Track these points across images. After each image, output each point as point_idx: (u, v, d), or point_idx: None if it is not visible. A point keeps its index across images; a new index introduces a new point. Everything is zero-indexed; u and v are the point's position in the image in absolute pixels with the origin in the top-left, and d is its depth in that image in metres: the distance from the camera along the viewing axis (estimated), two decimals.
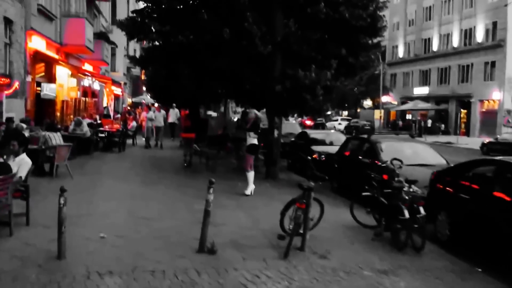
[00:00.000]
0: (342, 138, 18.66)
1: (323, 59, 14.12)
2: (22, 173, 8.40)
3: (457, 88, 51.20)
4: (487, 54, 46.59)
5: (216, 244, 7.13)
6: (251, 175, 12.07)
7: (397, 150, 11.80)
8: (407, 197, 7.76)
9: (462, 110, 51.67)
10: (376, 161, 11.39)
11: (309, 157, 8.36)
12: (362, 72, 15.84)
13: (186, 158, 18.07)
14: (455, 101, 52.20)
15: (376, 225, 8.81)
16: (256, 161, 17.25)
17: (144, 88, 52.12)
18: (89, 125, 20.55)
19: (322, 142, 17.94)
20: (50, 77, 22.82)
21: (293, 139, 19.28)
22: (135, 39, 17.28)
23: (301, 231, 7.33)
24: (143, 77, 49.63)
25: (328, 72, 13.56)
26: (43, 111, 21.94)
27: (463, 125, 51.74)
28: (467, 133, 49.14)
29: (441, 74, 54.62)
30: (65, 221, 6.52)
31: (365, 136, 13.19)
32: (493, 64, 46.19)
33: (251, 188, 11.99)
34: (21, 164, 8.47)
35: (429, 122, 52.04)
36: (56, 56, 23.28)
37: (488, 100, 47.38)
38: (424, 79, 58.05)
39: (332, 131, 28.56)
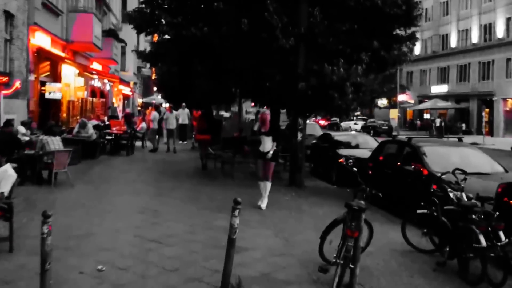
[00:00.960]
0: (370, 140, 17.16)
1: (352, 53, 12.63)
2: (5, 188, 6.98)
3: (478, 86, 49.30)
4: (509, 50, 44.60)
5: (243, 281, 5.65)
6: (268, 186, 10.58)
7: (445, 155, 10.26)
8: (478, 219, 6.21)
9: (486, 108, 49.66)
10: (423, 170, 9.81)
11: (355, 169, 6.73)
12: (393, 68, 14.24)
13: (203, 161, 16.82)
14: (476, 99, 50.21)
15: (434, 249, 7.31)
16: (277, 166, 15.86)
17: (155, 89, 50.85)
18: (96, 127, 19.24)
19: (347, 145, 16.38)
20: (56, 76, 21.52)
21: (314, 141, 17.75)
22: (145, 34, 15.84)
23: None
24: (154, 76, 48.39)
25: (359, 67, 12.08)
26: (48, 112, 20.67)
27: (486, 125, 49.75)
28: (490, 133, 47.15)
29: (461, 72, 52.67)
30: (50, 256, 4.96)
31: (405, 139, 11.52)
32: None
33: (267, 201, 10.55)
34: (4, 177, 7.04)
35: (438, 121, 49.98)
36: (62, 54, 21.96)
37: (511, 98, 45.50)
38: (443, 77, 56.06)
39: (353, 132, 26.91)
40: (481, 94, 48.67)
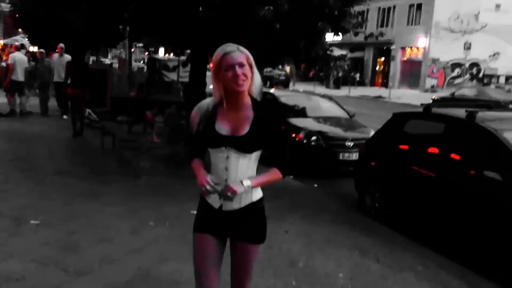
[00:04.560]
0: (324, 103, 12.03)
1: None
2: None
3: (376, 34, 46.41)
4: None
5: None
6: None
7: None
8: None
9: (379, 58, 47.27)
10: None
11: None
12: None
13: (76, 127, 11.39)
14: (373, 48, 47.48)
15: None
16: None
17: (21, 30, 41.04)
18: None
19: (299, 112, 11.11)
20: None
21: None
22: None
23: None
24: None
25: None
26: None
27: (380, 75, 47.46)
28: (385, 85, 44.67)
29: (357, 18, 49.45)
30: None
31: (461, 114, 6.36)
32: (419, 6, 41.70)
33: None
34: None
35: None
36: None
37: (411, 48, 43.22)
38: None
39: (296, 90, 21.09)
40: (378, 43, 45.87)
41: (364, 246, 5.78)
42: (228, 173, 2.91)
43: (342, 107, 11.76)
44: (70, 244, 5.33)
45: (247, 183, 2.85)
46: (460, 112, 6.18)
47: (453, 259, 5.59)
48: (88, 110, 12.63)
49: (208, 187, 2.83)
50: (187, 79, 15.29)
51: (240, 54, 2.82)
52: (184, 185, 7.73)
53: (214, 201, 2.97)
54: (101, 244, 5.41)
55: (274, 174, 2.98)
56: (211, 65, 3.54)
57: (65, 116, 14.35)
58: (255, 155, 2.94)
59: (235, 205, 2.94)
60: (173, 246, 5.38)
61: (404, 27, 43.18)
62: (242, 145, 2.87)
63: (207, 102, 2.98)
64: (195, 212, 3.12)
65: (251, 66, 2.84)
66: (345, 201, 7.97)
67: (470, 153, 5.78)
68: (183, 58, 14.19)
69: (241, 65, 2.79)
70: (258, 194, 3.02)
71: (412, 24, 42.57)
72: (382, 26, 45.89)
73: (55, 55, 15.08)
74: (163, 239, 5.63)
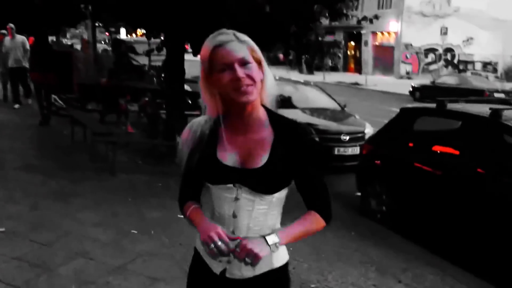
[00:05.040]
0: (314, 94, 11.16)
1: None
2: None
3: (345, 18, 45.94)
4: None
5: None
6: None
7: None
8: None
9: (349, 43, 46.71)
10: None
11: None
12: None
13: (44, 111, 10.54)
14: (343, 32, 46.85)
15: None
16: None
17: None
18: None
19: (284, 102, 10.01)
20: None
21: None
22: None
23: None
24: None
25: None
26: None
27: (353, 61, 46.98)
28: (358, 70, 44.22)
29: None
30: None
31: (483, 112, 5.58)
32: None
33: None
34: None
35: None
36: None
37: (382, 32, 42.65)
38: None
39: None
40: (349, 27, 45.38)
41: (378, 260, 5.14)
42: (236, 223, 1.93)
43: (331, 97, 11.07)
44: (41, 260, 4.52)
45: (273, 240, 1.82)
46: (481, 109, 5.59)
47: (479, 275, 5.01)
48: (53, 96, 11.62)
49: (220, 244, 1.77)
50: (159, 63, 14.33)
51: (241, 45, 1.83)
52: (168, 183, 6.95)
53: (215, 262, 1.95)
54: (77, 260, 4.61)
55: (312, 221, 2.01)
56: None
57: (16, 106, 13.03)
58: (279, 195, 1.97)
59: (246, 272, 1.93)
60: (162, 262, 4.63)
61: (374, 11, 42.60)
62: (258, 182, 1.89)
63: (202, 119, 1.98)
64: (183, 216, 2.16)
65: (260, 63, 1.87)
66: (344, 201, 7.33)
67: (497, 156, 5.17)
68: (154, 40, 13.21)
69: (244, 63, 1.81)
70: (283, 257, 2.02)
71: (382, 8, 41.93)
72: (351, 9, 45.21)
73: (6, 39, 13.11)
74: (149, 252, 4.86)
